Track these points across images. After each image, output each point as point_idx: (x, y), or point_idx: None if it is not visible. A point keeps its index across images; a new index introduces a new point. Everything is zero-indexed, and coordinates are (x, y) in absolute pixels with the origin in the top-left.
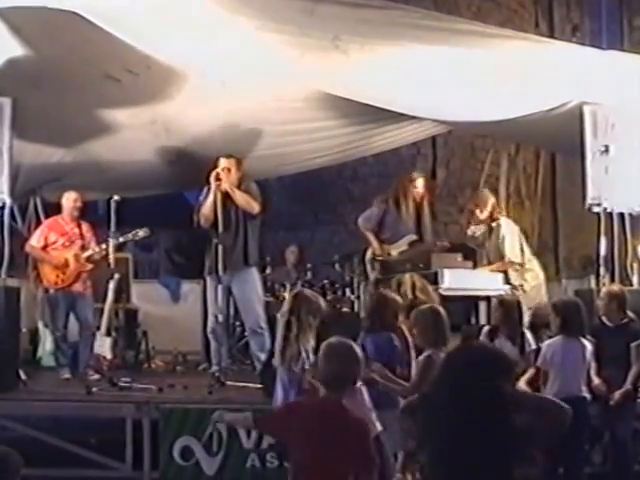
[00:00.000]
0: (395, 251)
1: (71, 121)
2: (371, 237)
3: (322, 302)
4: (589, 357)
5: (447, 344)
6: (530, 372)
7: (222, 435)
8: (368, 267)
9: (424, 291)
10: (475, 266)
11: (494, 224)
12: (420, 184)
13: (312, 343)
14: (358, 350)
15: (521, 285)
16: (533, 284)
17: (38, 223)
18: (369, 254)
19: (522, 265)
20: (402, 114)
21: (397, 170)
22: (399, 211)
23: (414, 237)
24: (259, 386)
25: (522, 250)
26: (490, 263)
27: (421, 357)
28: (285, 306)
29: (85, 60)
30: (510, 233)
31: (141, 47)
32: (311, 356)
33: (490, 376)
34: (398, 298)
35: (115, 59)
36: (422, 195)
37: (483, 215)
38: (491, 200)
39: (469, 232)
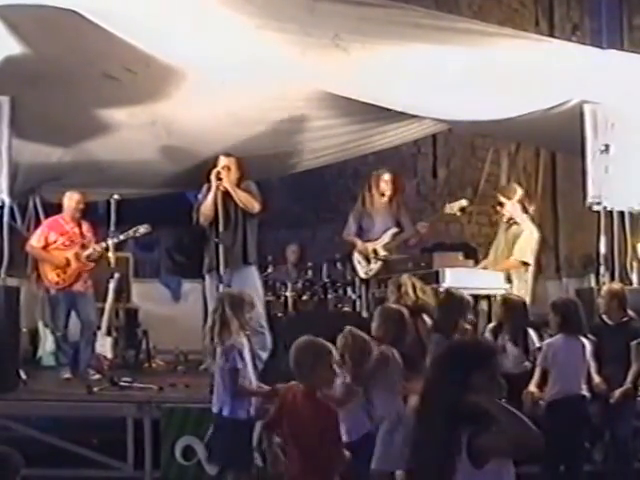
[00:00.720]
0: (380, 246)
1: (70, 120)
2: (356, 241)
3: (247, 297)
4: (589, 356)
5: (405, 345)
6: (537, 373)
7: None
8: (357, 266)
9: (424, 291)
10: (477, 263)
11: (519, 220)
12: (386, 179)
13: (243, 340)
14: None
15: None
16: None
17: (38, 222)
18: (356, 255)
19: (526, 265)
20: (403, 113)
21: (398, 169)
22: (365, 207)
23: (395, 229)
24: (261, 385)
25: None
26: (495, 259)
27: (376, 351)
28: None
29: (84, 59)
30: (531, 237)
31: (140, 46)
32: (245, 354)
33: (456, 366)
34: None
35: (114, 58)
36: (392, 191)
37: (515, 205)
38: (518, 193)
39: (447, 209)
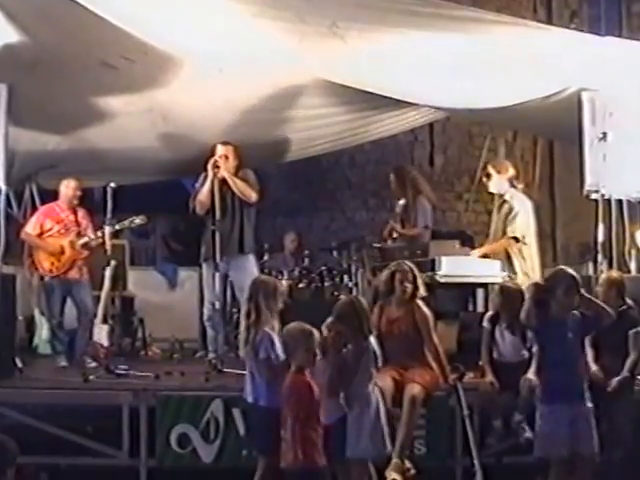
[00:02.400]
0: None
1: (67, 108)
2: None
3: (281, 285)
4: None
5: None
6: (535, 362)
7: (219, 422)
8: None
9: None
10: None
11: (507, 196)
12: None
13: (276, 327)
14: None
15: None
16: (528, 273)
17: (34, 210)
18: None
19: (522, 241)
20: (400, 101)
21: (395, 157)
22: None
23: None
24: None
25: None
26: (493, 240)
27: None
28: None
29: (81, 47)
30: (523, 210)
31: (137, 34)
32: (277, 342)
33: None
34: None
35: (111, 46)
36: None
37: (502, 180)
38: (509, 172)
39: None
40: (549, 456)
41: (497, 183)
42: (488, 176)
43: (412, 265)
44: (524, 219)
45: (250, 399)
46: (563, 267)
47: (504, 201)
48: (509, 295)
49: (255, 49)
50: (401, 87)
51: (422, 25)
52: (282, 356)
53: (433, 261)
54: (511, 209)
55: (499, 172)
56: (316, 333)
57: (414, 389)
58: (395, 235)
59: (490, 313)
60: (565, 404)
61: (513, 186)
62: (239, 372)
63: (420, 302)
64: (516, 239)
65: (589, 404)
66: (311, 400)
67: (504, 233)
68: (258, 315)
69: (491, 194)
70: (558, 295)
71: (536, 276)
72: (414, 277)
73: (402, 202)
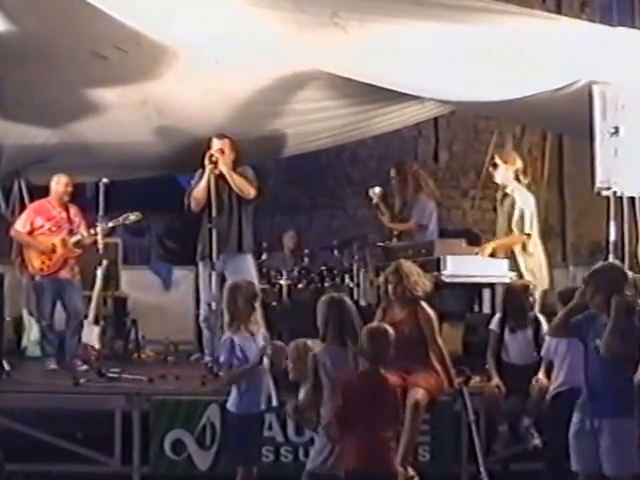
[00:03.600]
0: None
1: (57, 101)
2: None
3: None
4: None
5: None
6: (543, 365)
7: (216, 428)
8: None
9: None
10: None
11: (509, 190)
12: None
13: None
14: None
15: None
16: (534, 271)
17: (22, 206)
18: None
19: (528, 236)
20: (403, 94)
21: (398, 152)
22: None
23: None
24: None
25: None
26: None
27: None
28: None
29: (72, 36)
30: (526, 205)
31: (130, 23)
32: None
33: None
34: None
35: (103, 36)
36: None
37: (508, 172)
38: (516, 165)
39: (370, 193)
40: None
41: (503, 174)
42: (495, 166)
43: (411, 265)
44: (528, 214)
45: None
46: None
47: (505, 194)
48: (515, 294)
49: (252, 40)
50: (404, 80)
51: (427, 15)
52: (253, 360)
53: (438, 260)
54: (513, 204)
55: (506, 162)
56: (391, 331)
57: (418, 394)
58: (396, 232)
59: (498, 316)
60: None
61: (518, 179)
62: None
63: (424, 303)
64: (529, 235)
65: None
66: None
67: (510, 229)
68: (231, 319)
69: (487, 169)
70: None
71: (543, 275)
72: (402, 277)
73: (378, 190)
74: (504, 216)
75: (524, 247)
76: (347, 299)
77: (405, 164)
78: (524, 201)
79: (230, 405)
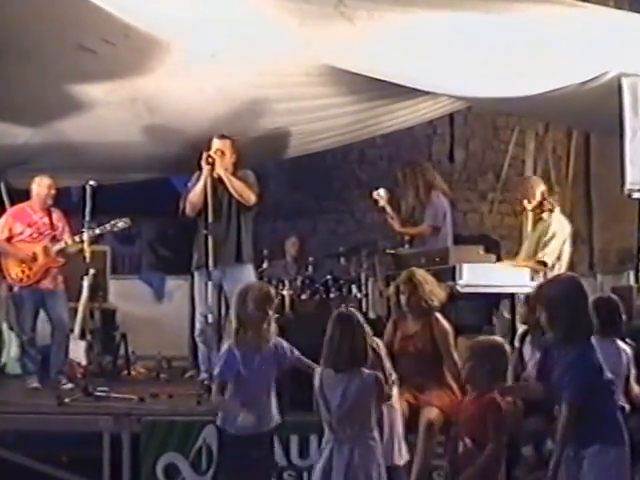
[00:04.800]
0: None
1: (40, 97)
2: None
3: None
4: (628, 362)
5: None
6: None
7: (212, 451)
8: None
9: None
10: (499, 259)
11: (544, 215)
12: None
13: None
14: None
15: None
16: None
17: (2, 211)
18: None
19: (549, 268)
20: (415, 89)
21: (410, 152)
22: None
23: None
24: None
25: (559, 257)
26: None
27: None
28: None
29: (54, 28)
30: (560, 233)
31: (119, 14)
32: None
33: None
34: None
35: (89, 27)
36: None
37: (530, 206)
38: (539, 188)
39: (375, 195)
40: None
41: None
42: (520, 203)
43: (424, 273)
44: (558, 243)
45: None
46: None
47: (541, 219)
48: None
49: (251, 32)
50: (416, 74)
51: (440, 4)
52: (254, 380)
53: (454, 269)
54: (547, 230)
55: (532, 199)
56: (508, 348)
57: (431, 413)
58: (407, 237)
59: (521, 331)
60: None
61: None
62: None
63: (439, 315)
64: (545, 264)
65: None
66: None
67: (535, 253)
68: (239, 326)
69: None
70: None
71: None
72: (416, 286)
73: (382, 192)
74: (533, 240)
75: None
76: (355, 315)
77: (413, 163)
78: (560, 229)
79: (221, 423)
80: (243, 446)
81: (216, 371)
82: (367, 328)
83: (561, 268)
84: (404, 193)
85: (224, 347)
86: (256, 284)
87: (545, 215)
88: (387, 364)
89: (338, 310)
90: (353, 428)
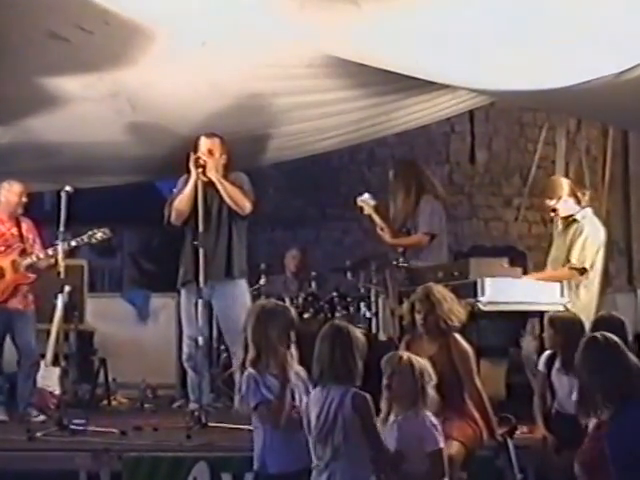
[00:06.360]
0: None
1: (7, 92)
2: None
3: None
4: None
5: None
6: None
7: None
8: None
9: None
10: (526, 272)
11: (579, 215)
12: None
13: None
14: None
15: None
16: (584, 302)
17: None
18: None
19: (584, 273)
20: (431, 82)
21: (425, 152)
22: None
23: None
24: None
25: (592, 266)
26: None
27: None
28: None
29: (24, 15)
30: (594, 238)
31: None
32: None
33: None
34: None
35: (62, 13)
36: None
37: (566, 201)
38: (567, 187)
39: (359, 201)
40: None
41: (564, 207)
42: (555, 210)
43: (443, 290)
44: (595, 247)
45: (255, 465)
46: None
47: (573, 220)
48: (565, 328)
49: (246, 18)
50: (431, 65)
51: None
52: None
53: (475, 284)
54: (581, 231)
55: (559, 197)
56: None
57: (452, 448)
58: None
59: (546, 354)
60: None
61: (579, 201)
62: (230, 426)
63: (458, 336)
64: (583, 270)
65: None
66: None
67: (568, 260)
68: (258, 355)
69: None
70: None
71: (591, 308)
72: (434, 304)
73: (367, 196)
74: (563, 245)
75: (577, 285)
76: (347, 329)
77: (405, 162)
78: (593, 232)
79: (260, 462)
80: None
81: (250, 397)
82: (359, 343)
83: (595, 276)
84: (393, 195)
85: (246, 373)
86: (278, 307)
87: (578, 216)
88: None
89: (328, 323)
90: (327, 452)
